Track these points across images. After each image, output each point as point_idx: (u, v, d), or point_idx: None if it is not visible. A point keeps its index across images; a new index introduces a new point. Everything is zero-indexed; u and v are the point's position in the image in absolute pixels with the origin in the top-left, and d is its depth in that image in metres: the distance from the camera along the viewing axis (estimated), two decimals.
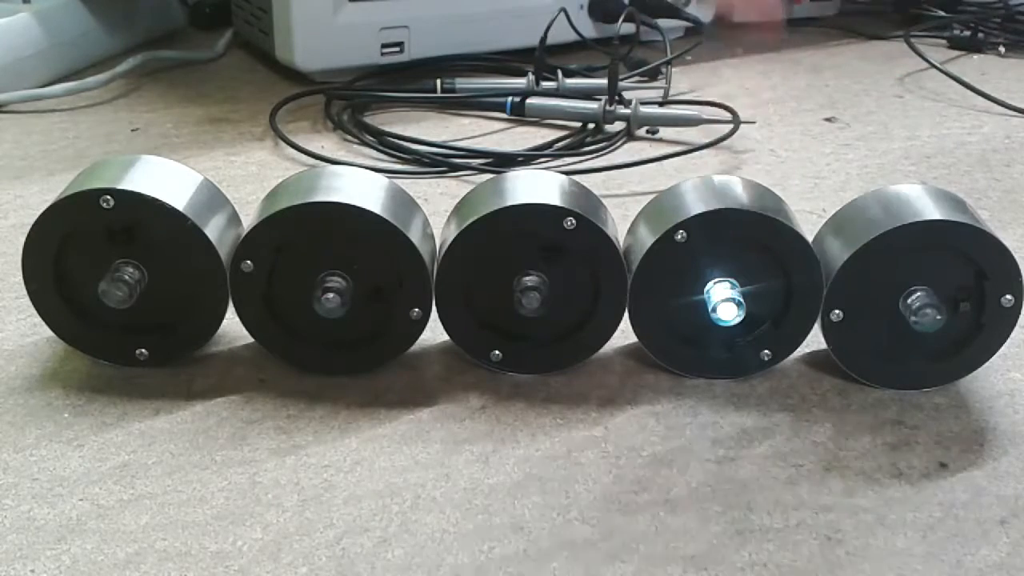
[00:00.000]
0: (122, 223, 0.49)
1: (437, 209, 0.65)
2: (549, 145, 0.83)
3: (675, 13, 1.06)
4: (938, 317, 0.47)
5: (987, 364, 0.51)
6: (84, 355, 0.52)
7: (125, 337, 0.51)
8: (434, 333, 0.52)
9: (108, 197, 0.47)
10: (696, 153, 0.81)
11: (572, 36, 0.99)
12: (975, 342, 0.50)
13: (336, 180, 0.50)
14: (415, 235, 0.49)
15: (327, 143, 0.83)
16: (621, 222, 0.53)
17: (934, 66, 1.01)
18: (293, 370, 0.51)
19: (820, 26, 1.26)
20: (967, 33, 1.18)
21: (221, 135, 0.85)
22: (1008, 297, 0.49)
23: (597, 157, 0.81)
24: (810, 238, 0.50)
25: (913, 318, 0.48)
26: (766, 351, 0.51)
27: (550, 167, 0.79)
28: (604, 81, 0.87)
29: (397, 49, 0.96)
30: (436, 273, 0.50)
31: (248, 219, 0.50)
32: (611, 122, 0.86)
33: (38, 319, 0.51)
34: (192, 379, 0.51)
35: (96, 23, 1.01)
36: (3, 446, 0.46)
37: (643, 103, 0.86)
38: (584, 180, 0.55)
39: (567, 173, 0.58)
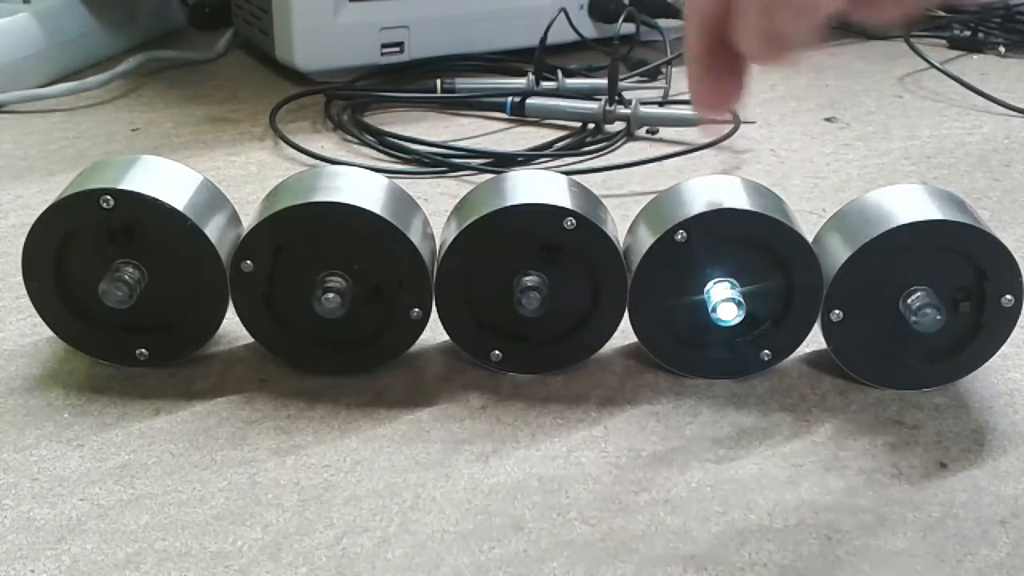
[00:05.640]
0: (122, 223, 0.49)
1: (437, 209, 0.65)
2: (549, 145, 0.83)
3: (675, 13, 1.06)
4: (938, 317, 0.47)
5: (987, 364, 0.51)
6: (84, 355, 0.52)
7: (125, 337, 0.51)
8: (434, 333, 0.52)
9: (108, 197, 0.47)
10: (696, 153, 0.81)
11: (572, 36, 0.99)
12: (975, 342, 0.50)
13: (336, 180, 0.50)
14: (415, 235, 0.49)
15: (327, 143, 0.83)
16: (621, 222, 0.53)
17: (934, 66, 1.01)
18: (293, 370, 0.51)
19: None
20: (967, 33, 1.18)
21: (221, 135, 0.85)
22: (1008, 297, 0.49)
23: (597, 157, 0.81)
24: (810, 238, 0.50)
25: (913, 318, 0.48)
26: (766, 351, 0.51)
27: (550, 167, 0.79)
28: (604, 81, 0.87)
29: (397, 49, 0.96)
30: (436, 273, 0.50)
31: (248, 219, 0.50)
32: (611, 122, 0.85)
33: (38, 319, 0.51)
34: (192, 379, 0.51)
35: (96, 23, 1.01)
36: (3, 446, 0.46)
37: (643, 103, 0.86)
38: (584, 180, 0.55)
39: (567, 173, 0.58)
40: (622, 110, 0.85)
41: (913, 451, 0.47)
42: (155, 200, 0.48)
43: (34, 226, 0.49)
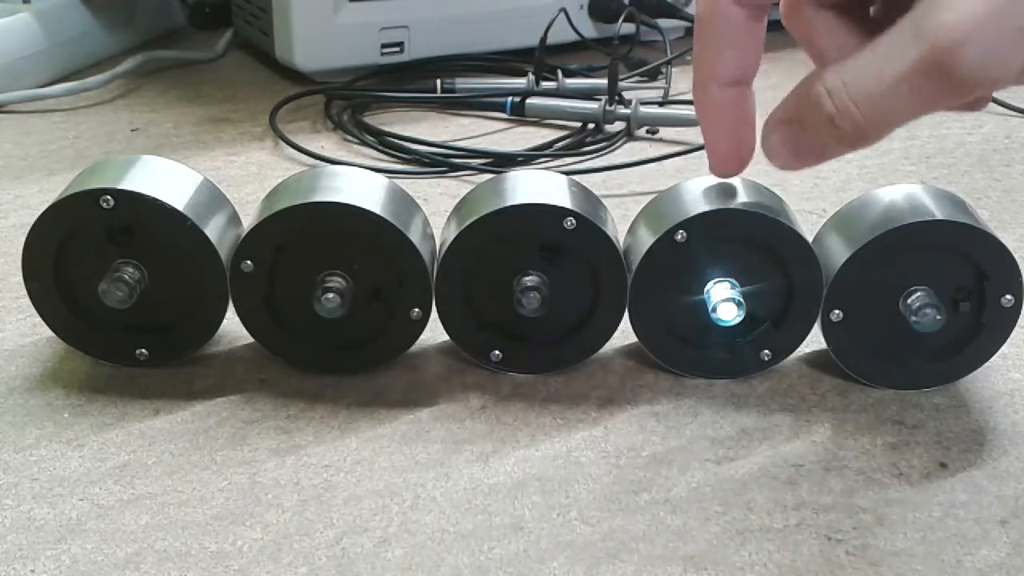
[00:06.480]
0: (122, 223, 0.49)
1: (437, 209, 0.65)
2: (549, 145, 0.83)
3: (675, 13, 1.06)
4: (938, 317, 0.47)
5: (987, 364, 0.51)
6: (84, 355, 0.52)
7: (125, 337, 0.51)
8: (434, 333, 0.52)
9: (108, 197, 0.47)
10: (696, 153, 0.81)
11: (572, 36, 0.99)
12: (975, 342, 0.50)
13: (336, 180, 0.50)
14: (415, 235, 0.49)
15: (327, 143, 0.83)
16: (621, 222, 0.53)
17: None
18: (293, 370, 0.51)
19: None
20: None
21: (221, 135, 0.85)
22: (1008, 297, 0.49)
23: (597, 157, 0.81)
24: (810, 238, 0.50)
25: (913, 318, 0.48)
26: (766, 351, 0.51)
27: (550, 167, 0.79)
28: (604, 81, 0.87)
29: (397, 49, 0.96)
30: (436, 273, 0.50)
31: (248, 219, 0.50)
32: (611, 122, 0.85)
33: (38, 319, 0.51)
34: (192, 379, 0.51)
35: (96, 23, 1.01)
36: (3, 446, 0.46)
37: (643, 103, 0.86)
38: (584, 180, 0.55)
39: (567, 173, 0.58)
40: (622, 110, 0.85)
41: (913, 451, 0.47)
42: (155, 200, 0.48)
43: (34, 226, 0.49)
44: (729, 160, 0.44)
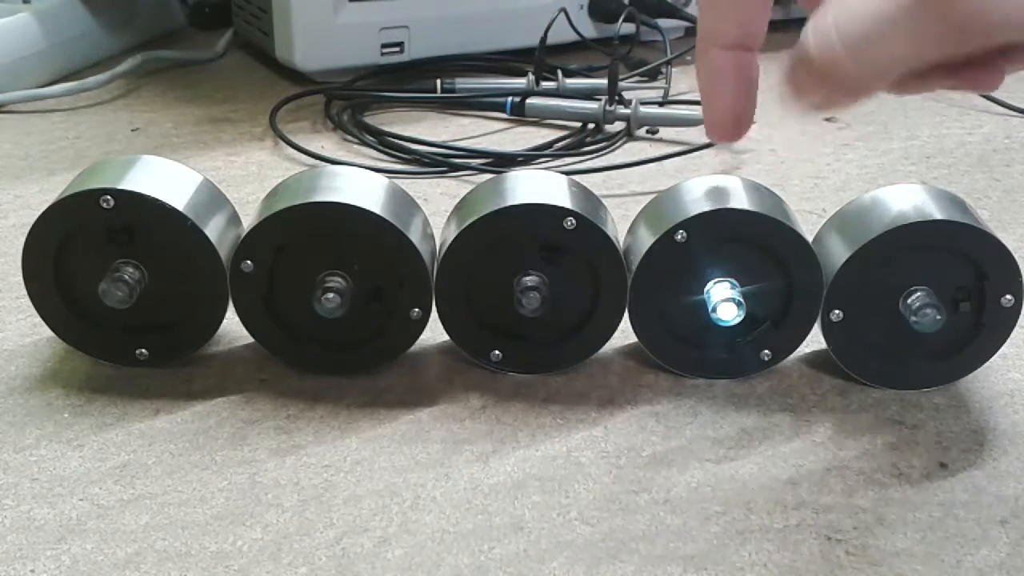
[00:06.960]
0: (122, 223, 0.49)
1: (437, 209, 0.65)
2: (549, 145, 0.83)
3: (675, 13, 1.06)
4: (938, 317, 0.47)
5: (987, 364, 0.51)
6: (84, 355, 0.52)
7: (125, 337, 0.51)
8: (434, 333, 0.52)
9: (108, 197, 0.47)
10: (696, 153, 0.81)
11: (572, 36, 0.99)
12: (975, 342, 0.50)
13: (336, 180, 0.50)
14: (415, 235, 0.49)
15: (327, 143, 0.83)
16: (621, 222, 0.53)
17: None
18: (293, 370, 0.51)
19: None
20: None
21: (221, 135, 0.85)
22: (1008, 297, 0.49)
23: (597, 157, 0.81)
24: (810, 238, 0.50)
25: (913, 318, 0.48)
26: (766, 351, 0.51)
27: (550, 167, 0.79)
28: (604, 81, 0.87)
29: (397, 49, 0.96)
30: (436, 273, 0.50)
31: (248, 219, 0.50)
32: (611, 122, 0.85)
33: (38, 319, 0.51)
34: (192, 379, 0.51)
35: (96, 23, 1.01)
36: (3, 446, 0.46)
37: (643, 103, 0.86)
38: (584, 180, 0.55)
39: (567, 173, 0.58)
40: (622, 110, 0.85)
41: (913, 451, 0.47)
42: (155, 200, 0.48)
43: (34, 226, 0.49)
44: (725, 126, 0.42)
